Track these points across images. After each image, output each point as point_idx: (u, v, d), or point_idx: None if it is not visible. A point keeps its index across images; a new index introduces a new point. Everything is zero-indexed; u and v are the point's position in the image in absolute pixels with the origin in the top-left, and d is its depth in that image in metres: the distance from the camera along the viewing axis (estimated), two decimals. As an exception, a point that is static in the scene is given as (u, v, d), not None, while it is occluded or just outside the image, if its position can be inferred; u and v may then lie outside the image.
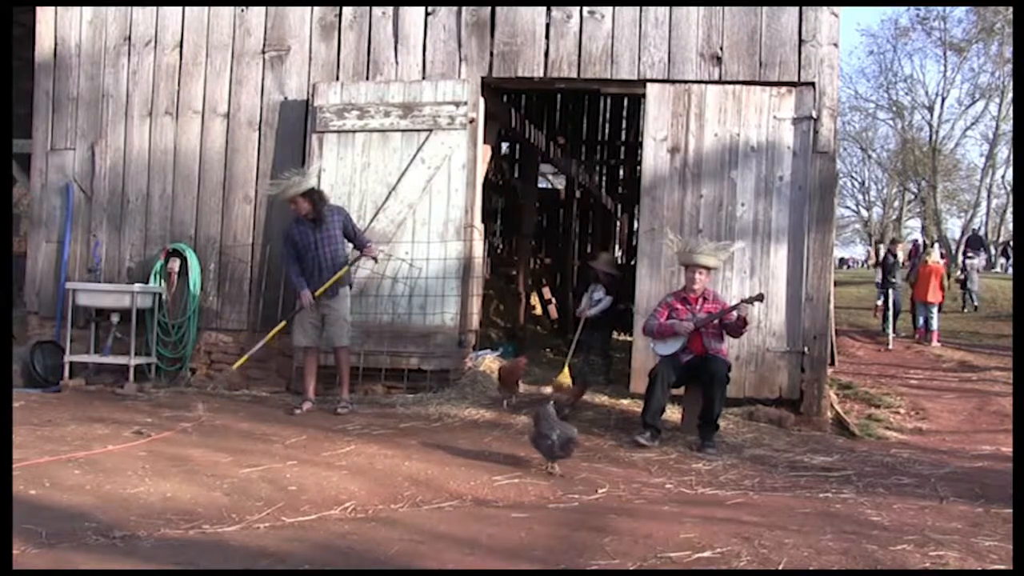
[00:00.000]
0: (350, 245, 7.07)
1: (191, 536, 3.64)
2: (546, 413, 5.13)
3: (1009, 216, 33.65)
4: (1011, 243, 28.66)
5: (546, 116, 14.86)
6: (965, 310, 17.61)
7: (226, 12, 8.16)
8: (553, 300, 14.17)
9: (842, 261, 45.19)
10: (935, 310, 13.46)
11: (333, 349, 7.00)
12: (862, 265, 39.31)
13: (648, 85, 7.45)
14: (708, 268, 6.36)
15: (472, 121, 7.57)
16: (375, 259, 7.20)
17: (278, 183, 7.03)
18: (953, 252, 28.35)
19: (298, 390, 7.51)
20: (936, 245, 16.61)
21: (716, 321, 6.25)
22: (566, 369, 7.11)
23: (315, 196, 6.85)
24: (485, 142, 7.98)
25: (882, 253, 15.96)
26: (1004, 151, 32.71)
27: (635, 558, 3.37)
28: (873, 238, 42.29)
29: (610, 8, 7.53)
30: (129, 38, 8.32)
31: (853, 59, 43.38)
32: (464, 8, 7.74)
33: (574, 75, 7.60)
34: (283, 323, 7.00)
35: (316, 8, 8.00)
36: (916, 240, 26.97)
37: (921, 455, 6.25)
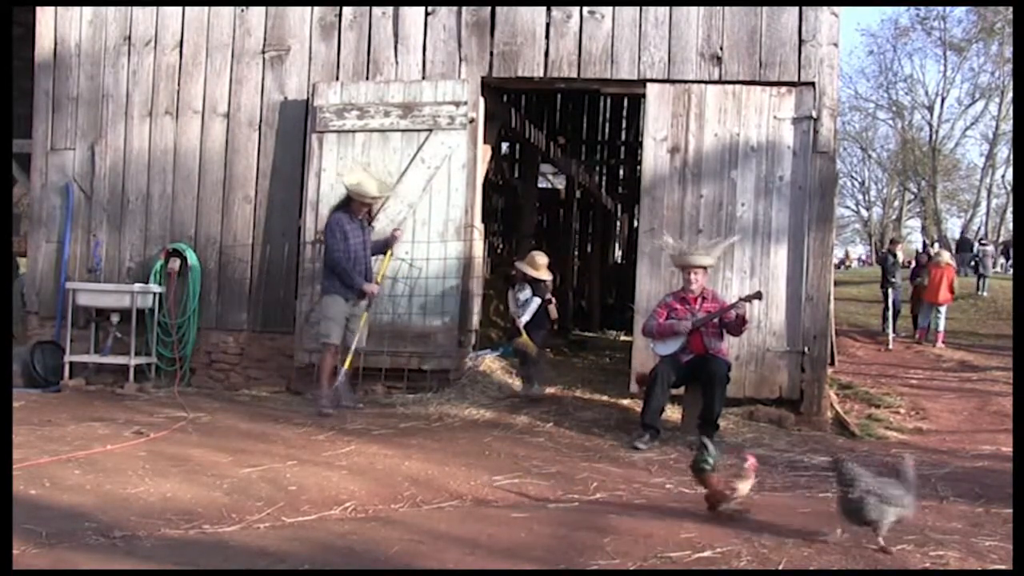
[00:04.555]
0: None
1: (191, 536, 3.64)
2: (855, 470, 3.72)
3: (1009, 216, 33.65)
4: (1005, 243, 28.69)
5: (546, 116, 14.86)
6: (979, 292, 18.19)
7: (226, 12, 8.15)
8: (553, 300, 14.13)
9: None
10: (943, 311, 13.43)
11: (345, 348, 6.86)
12: (841, 266, 39.17)
13: (648, 85, 7.45)
14: (704, 268, 6.37)
15: (472, 121, 7.56)
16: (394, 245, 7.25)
17: (378, 182, 7.09)
18: (952, 252, 28.30)
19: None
20: (937, 245, 16.68)
21: (716, 320, 6.26)
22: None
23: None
24: (485, 142, 7.98)
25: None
26: (1004, 151, 32.80)
27: (635, 558, 3.38)
28: (873, 238, 42.27)
29: (610, 8, 7.52)
30: (129, 38, 8.31)
31: (853, 59, 43.51)
32: (464, 8, 7.73)
33: (574, 75, 7.60)
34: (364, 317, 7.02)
35: (316, 8, 7.99)
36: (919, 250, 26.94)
37: (921, 455, 6.24)
